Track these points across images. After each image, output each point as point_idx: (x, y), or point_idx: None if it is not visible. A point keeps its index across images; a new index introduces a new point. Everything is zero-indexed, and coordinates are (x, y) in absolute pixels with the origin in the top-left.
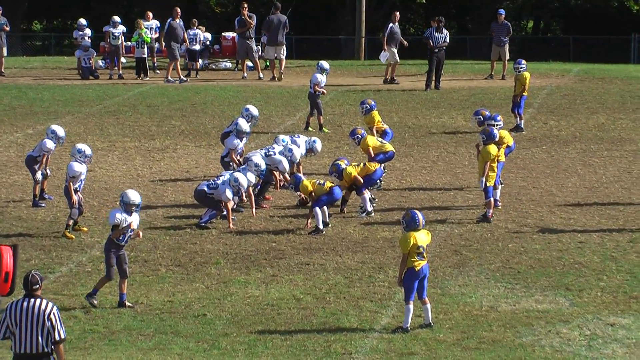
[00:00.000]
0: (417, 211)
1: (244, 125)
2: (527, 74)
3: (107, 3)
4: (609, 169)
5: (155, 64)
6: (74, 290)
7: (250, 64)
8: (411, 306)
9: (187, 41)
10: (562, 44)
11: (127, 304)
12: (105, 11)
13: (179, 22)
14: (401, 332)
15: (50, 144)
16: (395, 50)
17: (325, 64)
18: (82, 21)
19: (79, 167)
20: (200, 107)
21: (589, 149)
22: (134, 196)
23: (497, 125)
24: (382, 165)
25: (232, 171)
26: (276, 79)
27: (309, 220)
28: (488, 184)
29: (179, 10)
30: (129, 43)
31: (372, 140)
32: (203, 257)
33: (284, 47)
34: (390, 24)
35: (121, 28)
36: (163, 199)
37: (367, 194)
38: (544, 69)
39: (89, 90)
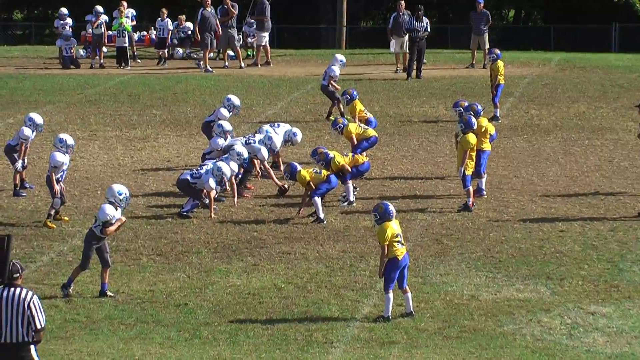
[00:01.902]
0: (388, 202)
1: (227, 125)
2: (500, 63)
3: None
4: (590, 158)
5: (135, 54)
6: (55, 279)
7: (231, 52)
8: (391, 295)
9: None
10: (543, 33)
11: (109, 293)
12: (85, 0)
13: (210, 10)
14: (382, 321)
15: (27, 131)
16: (405, 39)
17: (342, 56)
18: (63, 10)
19: (61, 157)
20: (182, 97)
21: (570, 138)
22: (123, 190)
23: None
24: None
25: (214, 160)
26: (270, 64)
27: (302, 210)
28: (467, 173)
29: None
30: (111, 32)
31: (355, 127)
32: (184, 246)
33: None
34: (394, 13)
35: (103, 17)
36: (144, 188)
37: (350, 184)
38: (525, 58)
39: (70, 80)
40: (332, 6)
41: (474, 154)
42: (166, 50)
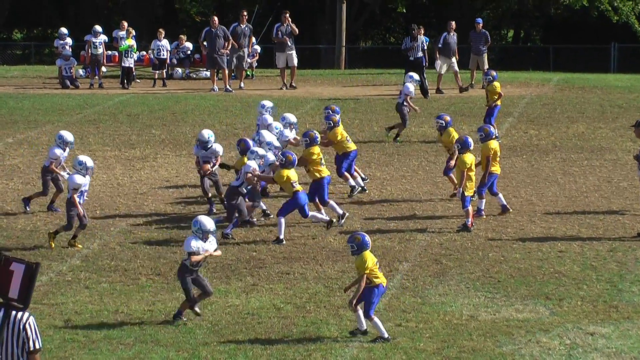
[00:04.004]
0: (364, 233)
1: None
2: (497, 84)
3: (88, 12)
4: (589, 178)
5: (134, 74)
6: (54, 299)
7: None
8: (376, 318)
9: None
10: (542, 53)
11: (183, 319)
12: (85, 20)
13: (216, 31)
14: (382, 342)
15: (58, 151)
16: (453, 60)
17: (415, 75)
18: (63, 30)
19: (80, 179)
20: (181, 116)
21: (569, 158)
22: (210, 224)
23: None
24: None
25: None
26: (287, 87)
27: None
28: (466, 194)
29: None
30: (110, 52)
31: (340, 132)
32: None
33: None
34: (445, 34)
35: (102, 37)
36: (143, 208)
37: (332, 202)
38: (524, 78)
39: (69, 99)
40: (331, 26)
41: (472, 173)
42: (165, 71)
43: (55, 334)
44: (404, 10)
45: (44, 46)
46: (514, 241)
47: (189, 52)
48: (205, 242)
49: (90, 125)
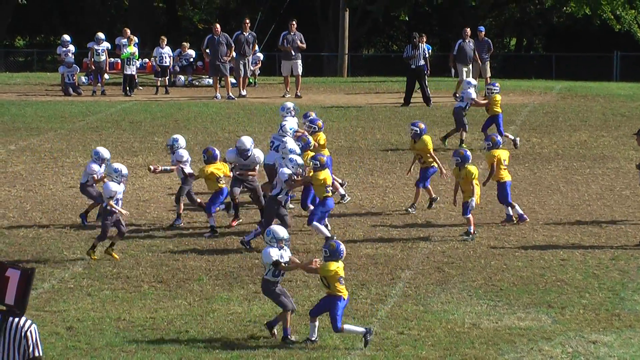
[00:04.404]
0: (339, 242)
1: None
2: (498, 96)
3: (91, 19)
4: (592, 186)
5: (137, 81)
6: (56, 306)
7: (233, 80)
8: (345, 325)
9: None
10: (544, 61)
11: (292, 338)
12: (88, 27)
13: (218, 38)
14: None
15: (95, 167)
16: (469, 68)
17: (472, 80)
18: (66, 37)
19: (115, 187)
20: (183, 124)
21: (571, 167)
22: (282, 232)
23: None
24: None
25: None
26: (293, 95)
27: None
28: (474, 204)
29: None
30: (113, 59)
31: (324, 138)
32: (185, 273)
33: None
34: (460, 41)
35: (105, 44)
36: (146, 215)
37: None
38: (527, 87)
39: (72, 107)
40: (334, 34)
41: (476, 182)
42: (167, 78)
43: (57, 341)
44: (407, 18)
45: (46, 53)
46: (516, 249)
47: (191, 59)
48: (280, 250)
49: (92, 133)
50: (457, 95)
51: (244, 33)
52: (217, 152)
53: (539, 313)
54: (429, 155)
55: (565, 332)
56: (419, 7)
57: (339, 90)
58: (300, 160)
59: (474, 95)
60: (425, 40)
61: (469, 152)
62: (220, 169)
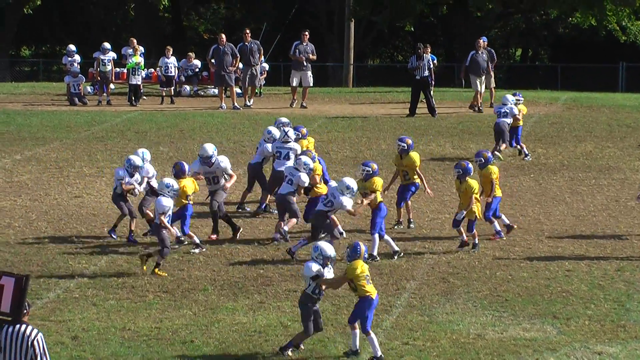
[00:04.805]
0: (359, 242)
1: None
2: (524, 108)
3: (96, 29)
4: (597, 197)
5: (142, 91)
6: (61, 316)
7: (238, 90)
8: (373, 335)
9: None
10: (550, 72)
11: (289, 353)
12: (93, 37)
13: (224, 48)
14: None
15: (120, 171)
16: (482, 79)
17: (510, 96)
18: (72, 47)
19: (167, 202)
20: (189, 134)
21: (576, 177)
22: (330, 250)
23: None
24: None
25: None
26: (299, 105)
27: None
28: (472, 218)
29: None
30: (118, 69)
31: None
32: (191, 283)
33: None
34: (472, 52)
35: (111, 54)
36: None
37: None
38: (532, 97)
39: (77, 116)
40: (339, 44)
41: (478, 197)
42: (172, 88)
43: (62, 350)
44: (412, 29)
45: (52, 63)
46: (522, 260)
47: (197, 69)
48: (324, 268)
49: (98, 142)
50: (494, 104)
51: (246, 43)
52: (186, 166)
53: (544, 324)
54: (414, 171)
55: (570, 343)
56: (424, 17)
57: (344, 100)
58: (311, 164)
59: (516, 111)
60: (430, 50)
61: (470, 165)
62: (190, 186)
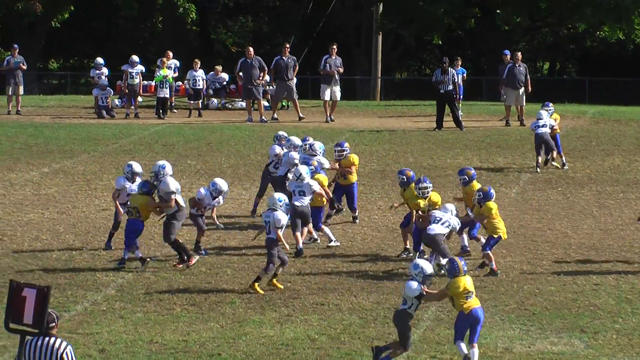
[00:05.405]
0: (455, 258)
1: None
2: (556, 115)
3: (124, 42)
4: (625, 211)
5: (173, 104)
6: (88, 329)
7: (266, 103)
8: (461, 344)
9: (198, 81)
10: (577, 85)
11: None
12: (121, 50)
13: (251, 61)
14: None
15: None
16: (519, 92)
17: (547, 110)
18: (100, 60)
19: (283, 217)
20: (216, 147)
21: (604, 191)
22: (430, 268)
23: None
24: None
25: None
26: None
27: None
28: (495, 236)
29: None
30: (146, 82)
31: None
32: (218, 296)
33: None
34: (510, 65)
35: (139, 67)
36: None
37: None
38: (560, 111)
39: (105, 129)
40: (366, 57)
41: (498, 218)
42: (200, 101)
43: None
44: (440, 42)
45: (80, 76)
46: (549, 274)
47: (224, 82)
48: (423, 285)
49: (126, 155)
50: (523, 119)
51: (284, 57)
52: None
53: (572, 338)
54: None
55: (598, 357)
56: (452, 31)
57: (371, 114)
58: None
59: (554, 122)
60: (460, 63)
61: (492, 191)
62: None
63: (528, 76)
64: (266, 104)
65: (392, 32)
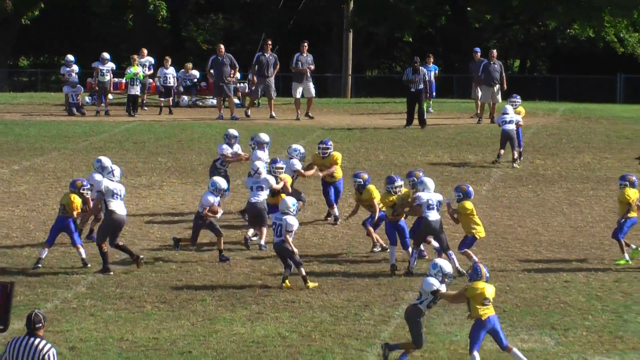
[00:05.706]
0: (479, 265)
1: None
2: (521, 108)
3: (95, 40)
4: (595, 208)
5: (144, 101)
6: (59, 326)
7: (237, 101)
8: (475, 354)
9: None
10: (548, 83)
11: None
12: (91, 48)
13: (222, 59)
14: None
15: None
16: (494, 89)
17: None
18: (70, 57)
19: (295, 223)
20: (187, 144)
21: (574, 188)
22: (449, 267)
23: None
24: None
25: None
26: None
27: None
28: (477, 236)
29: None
30: (117, 80)
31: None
32: (189, 294)
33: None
34: (485, 62)
35: (110, 65)
36: (149, 235)
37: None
38: (530, 108)
39: (76, 127)
40: (337, 55)
41: (476, 217)
42: (171, 98)
43: None
44: (411, 40)
45: (50, 73)
46: (520, 271)
47: (195, 80)
48: (441, 284)
49: (96, 153)
50: (495, 117)
51: (265, 54)
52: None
53: (542, 335)
54: (372, 205)
55: (568, 354)
56: (423, 28)
57: (342, 111)
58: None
59: (519, 118)
60: (432, 60)
61: (471, 189)
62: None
63: (503, 73)
64: (237, 101)
65: (364, 29)
